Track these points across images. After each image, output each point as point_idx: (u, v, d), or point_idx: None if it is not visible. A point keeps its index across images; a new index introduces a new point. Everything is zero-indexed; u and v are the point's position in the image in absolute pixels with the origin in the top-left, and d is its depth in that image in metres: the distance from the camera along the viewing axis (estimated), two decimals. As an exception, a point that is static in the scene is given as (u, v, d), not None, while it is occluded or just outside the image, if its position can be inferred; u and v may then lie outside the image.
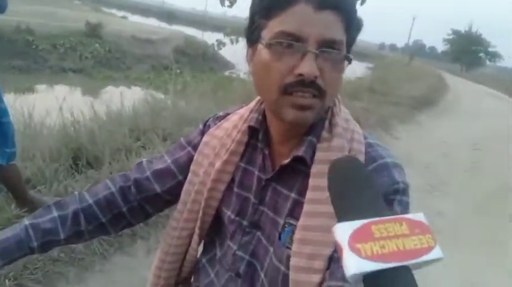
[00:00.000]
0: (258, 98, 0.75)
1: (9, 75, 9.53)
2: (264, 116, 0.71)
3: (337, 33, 0.58)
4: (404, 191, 0.62)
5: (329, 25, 0.57)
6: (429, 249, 0.33)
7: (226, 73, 13.54)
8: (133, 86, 9.74)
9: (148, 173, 0.80)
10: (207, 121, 0.83)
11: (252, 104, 0.76)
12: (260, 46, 0.61)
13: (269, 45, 0.59)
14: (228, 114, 0.81)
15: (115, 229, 0.80)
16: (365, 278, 0.33)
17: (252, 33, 0.64)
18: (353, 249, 0.32)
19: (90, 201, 0.76)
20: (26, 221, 0.71)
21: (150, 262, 2.10)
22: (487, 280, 2.75)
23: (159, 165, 0.81)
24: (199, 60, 15.61)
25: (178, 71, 10.10)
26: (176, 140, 3.48)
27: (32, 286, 1.75)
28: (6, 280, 1.68)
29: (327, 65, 0.58)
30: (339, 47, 0.59)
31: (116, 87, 9.28)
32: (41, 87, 9.26)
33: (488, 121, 9.24)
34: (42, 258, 1.85)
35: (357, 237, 0.33)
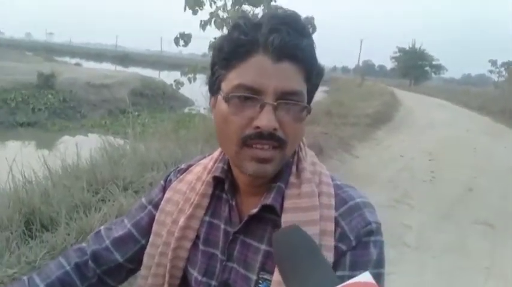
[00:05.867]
0: None
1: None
2: (229, 165, 0.68)
3: (296, 84, 0.58)
4: (377, 231, 0.61)
5: (287, 76, 0.57)
6: None
7: (186, 110, 13.52)
8: (90, 134, 9.46)
9: (107, 242, 0.74)
10: (168, 175, 0.78)
11: (216, 154, 0.73)
12: (220, 98, 0.60)
13: (227, 99, 0.58)
14: (190, 165, 0.77)
15: None
16: None
17: (213, 84, 0.63)
18: None
19: (42, 286, 0.67)
20: None
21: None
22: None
23: (119, 231, 0.74)
24: (159, 100, 15.55)
25: (136, 113, 9.95)
26: (138, 189, 3.41)
27: None
28: None
29: (286, 116, 0.58)
30: (298, 98, 0.58)
31: (72, 137, 8.98)
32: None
33: (438, 131, 9.76)
34: None
35: None
